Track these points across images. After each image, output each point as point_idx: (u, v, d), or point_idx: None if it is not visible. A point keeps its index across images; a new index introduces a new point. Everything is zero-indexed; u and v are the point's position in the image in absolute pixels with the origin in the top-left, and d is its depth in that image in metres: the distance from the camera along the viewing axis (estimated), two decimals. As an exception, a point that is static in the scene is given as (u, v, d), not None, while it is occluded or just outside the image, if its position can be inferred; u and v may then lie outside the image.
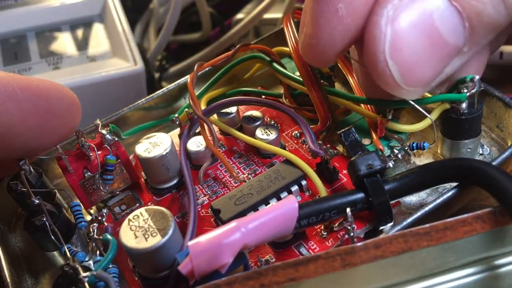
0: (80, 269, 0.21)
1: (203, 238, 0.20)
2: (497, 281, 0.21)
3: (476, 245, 0.20)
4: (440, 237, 0.20)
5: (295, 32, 0.29)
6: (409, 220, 0.23)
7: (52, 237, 0.25)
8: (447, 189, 0.24)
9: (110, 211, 0.28)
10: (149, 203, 0.28)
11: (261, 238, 0.21)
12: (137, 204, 0.28)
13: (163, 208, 0.23)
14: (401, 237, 0.20)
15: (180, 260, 0.21)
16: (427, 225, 0.20)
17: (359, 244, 0.20)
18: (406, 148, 0.25)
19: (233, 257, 0.20)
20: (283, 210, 0.21)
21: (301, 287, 0.19)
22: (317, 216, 0.22)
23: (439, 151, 0.27)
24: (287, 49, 0.33)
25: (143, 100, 0.32)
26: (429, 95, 0.25)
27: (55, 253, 0.28)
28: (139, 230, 0.22)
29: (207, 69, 0.33)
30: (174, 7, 0.48)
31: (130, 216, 0.23)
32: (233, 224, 0.20)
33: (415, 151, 0.26)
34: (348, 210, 0.22)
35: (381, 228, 0.24)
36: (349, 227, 0.22)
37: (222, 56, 0.31)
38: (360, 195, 0.23)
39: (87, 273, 0.21)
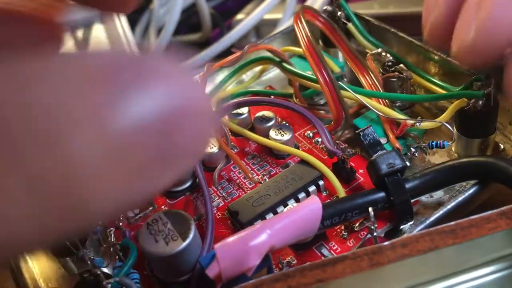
0: (102, 275, 0.21)
1: (229, 240, 0.20)
2: (522, 278, 0.21)
3: (501, 242, 0.20)
4: (465, 235, 0.20)
5: (307, 31, 0.29)
6: (432, 218, 0.23)
7: (67, 242, 0.24)
8: (464, 187, 0.25)
9: (123, 215, 0.28)
10: (162, 206, 0.28)
11: (287, 240, 0.20)
12: (150, 208, 0.28)
13: (182, 211, 0.23)
14: (427, 235, 0.20)
15: (203, 264, 0.20)
16: (452, 223, 0.20)
17: (386, 243, 0.19)
18: (423, 146, 0.25)
19: (260, 259, 0.20)
20: (308, 210, 0.21)
21: (329, 288, 0.19)
22: (340, 216, 0.22)
23: (453, 149, 0.27)
24: (294, 48, 0.33)
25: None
26: (445, 91, 0.25)
27: (67, 259, 0.27)
28: (159, 234, 0.22)
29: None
30: (174, 7, 0.47)
31: (149, 220, 0.22)
32: (259, 225, 0.20)
33: (434, 149, 0.26)
34: (370, 209, 0.22)
35: (401, 227, 0.24)
36: (372, 227, 0.22)
37: (232, 57, 0.31)
38: (381, 194, 0.23)
39: (110, 280, 0.21)
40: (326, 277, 0.19)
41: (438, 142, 0.25)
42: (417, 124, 0.25)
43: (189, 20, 0.54)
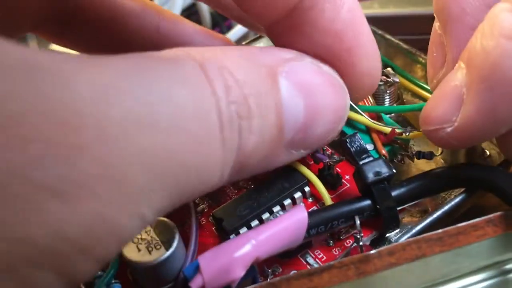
0: (82, 286, 0.20)
1: (213, 252, 0.19)
2: (510, 286, 0.21)
3: (489, 249, 0.20)
4: (453, 242, 0.20)
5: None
6: (419, 226, 0.22)
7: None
8: (451, 194, 0.24)
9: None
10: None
11: (272, 250, 0.20)
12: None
13: (165, 219, 0.22)
14: (415, 243, 0.20)
15: (187, 275, 0.20)
16: (439, 231, 0.20)
17: (372, 251, 0.19)
18: (410, 153, 0.25)
19: (245, 271, 0.19)
20: (293, 220, 0.21)
21: (316, 298, 0.19)
22: (326, 225, 0.22)
23: (440, 156, 0.27)
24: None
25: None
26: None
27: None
28: (142, 242, 0.21)
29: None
30: (174, 7, 0.47)
31: (131, 228, 0.22)
32: (243, 236, 0.20)
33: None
34: (356, 218, 0.22)
35: (387, 235, 0.23)
36: (357, 236, 0.22)
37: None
38: (367, 202, 0.23)
39: (90, 290, 0.20)
40: (312, 286, 0.19)
41: (426, 153, 0.25)
42: (405, 134, 0.25)
43: (189, 19, 0.54)
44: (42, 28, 0.30)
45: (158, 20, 0.31)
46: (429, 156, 0.25)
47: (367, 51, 0.21)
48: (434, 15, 0.25)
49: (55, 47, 0.33)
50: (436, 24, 0.25)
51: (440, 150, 0.26)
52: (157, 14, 0.31)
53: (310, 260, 0.23)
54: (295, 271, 0.23)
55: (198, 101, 0.16)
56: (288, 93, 0.19)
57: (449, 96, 0.21)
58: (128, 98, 0.14)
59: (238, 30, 0.47)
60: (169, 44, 0.17)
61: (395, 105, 0.30)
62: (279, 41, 0.22)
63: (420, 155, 0.25)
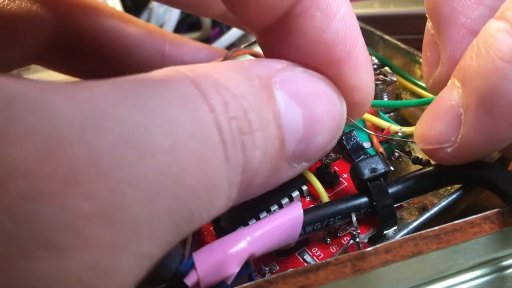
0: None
1: (208, 248, 0.19)
2: (506, 282, 0.21)
3: (485, 246, 0.20)
4: (449, 239, 0.20)
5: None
6: (415, 223, 0.22)
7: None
8: (449, 191, 0.24)
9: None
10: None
11: (267, 247, 0.20)
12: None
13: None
14: (411, 240, 0.19)
15: (183, 272, 0.20)
16: (436, 228, 0.20)
17: (369, 249, 0.19)
18: (407, 151, 0.25)
19: (239, 267, 0.19)
20: (289, 217, 0.21)
21: (312, 295, 0.19)
22: (322, 222, 0.22)
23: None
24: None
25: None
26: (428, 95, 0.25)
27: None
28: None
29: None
30: (173, 9, 0.47)
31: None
32: (238, 233, 0.20)
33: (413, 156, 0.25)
34: (353, 215, 0.22)
35: (385, 232, 0.23)
36: (354, 232, 0.22)
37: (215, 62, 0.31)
38: (364, 199, 0.22)
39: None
40: (309, 284, 0.19)
41: (423, 160, 0.24)
42: (400, 133, 0.25)
43: (188, 19, 0.54)
44: (46, 58, 0.30)
45: (163, 45, 0.31)
46: (426, 164, 0.24)
47: (358, 64, 0.21)
48: (426, 15, 0.25)
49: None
50: (429, 24, 0.25)
51: None
52: (162, 38, 0.31)
53: (308, 257, 0.23)
54: (292, 269, 0.23)
55: (197, 118, 0.15)
56: (284, 103, 0.18)
57: (446, 116, 0.21)
58: (120, 123, 0.13)
59: (238, 30, 0.47)
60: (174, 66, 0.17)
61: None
62: (270, 50, 0.22)
63: (417, 161, 0.25)
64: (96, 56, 0.30)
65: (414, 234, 0.19)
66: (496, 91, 0.19)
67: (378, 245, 0.19)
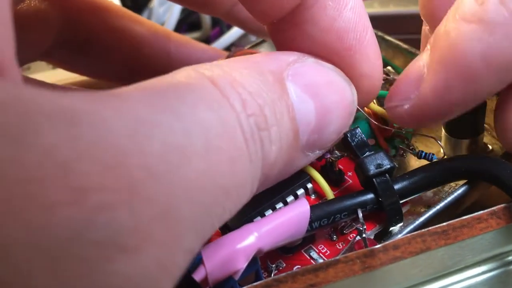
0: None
1: (216, 243, 0.19)
2: (512, 278, 0.21)
3: (492, 241, 0.20)
4: (457, 235, 0.20)
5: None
6: (421, 219, 0.22)
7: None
8: (454, 187, 0.24)
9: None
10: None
11: (275, 242, 0.20)
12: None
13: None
14: (419, 236, 0.19)
15: (191, 267, 0.20)
16: (444, 224, 0.20)
17: (378, 246, 0.19)
18: (411, 148, 0.25)
19: (247, 262, 0.19)
20: (296, 213, 0.21)
21: (321, 293, 0.19)
22: (328, 218, 0.22)
23: (442, 150, 0.27)
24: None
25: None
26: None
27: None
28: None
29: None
30: (174, 6, 0.47)
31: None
32: (246, 228, 0.20)
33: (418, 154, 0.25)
34: (359, 211, 0.22)
35: (391, 228, 0.23)
36: (361, 228, 0.22)
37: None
38: (370, 195, 0.22)
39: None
40: (318, 282, 0.19)
41: (427, 154, 0.25)
42: (404, 131, 0.25)
43: (188, 19, 0.54)
44: (52, 56, 0.30)
45: (169, 45, 0.31)
46: (430, 158, 0.25)
47: (368, 52, 0.21)
48: (422, 18, 0.25)
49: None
50: (425, 28, 0.25)
51: (442, 152, 0.26)
52: (167, 38, 0.32)
53: (314, 254, 0.23)
54: (299, 266, 0.23)
55: (223, 119, 0.15)
56: (297, 95, 0.19)
57: (411, 74, 0.22)
58: (161, 129, 0.13)
59: (238, 28, 0.47)
60: (179, 66, 0.17)
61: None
62: (281, 41, 0.22)
63: (422, 155, 0.25)
64: (103, 55, 0.30)
65: (422, 230, 0.19)
66: (454, 49, 0.19)
67: (386, 242, 0.19)
